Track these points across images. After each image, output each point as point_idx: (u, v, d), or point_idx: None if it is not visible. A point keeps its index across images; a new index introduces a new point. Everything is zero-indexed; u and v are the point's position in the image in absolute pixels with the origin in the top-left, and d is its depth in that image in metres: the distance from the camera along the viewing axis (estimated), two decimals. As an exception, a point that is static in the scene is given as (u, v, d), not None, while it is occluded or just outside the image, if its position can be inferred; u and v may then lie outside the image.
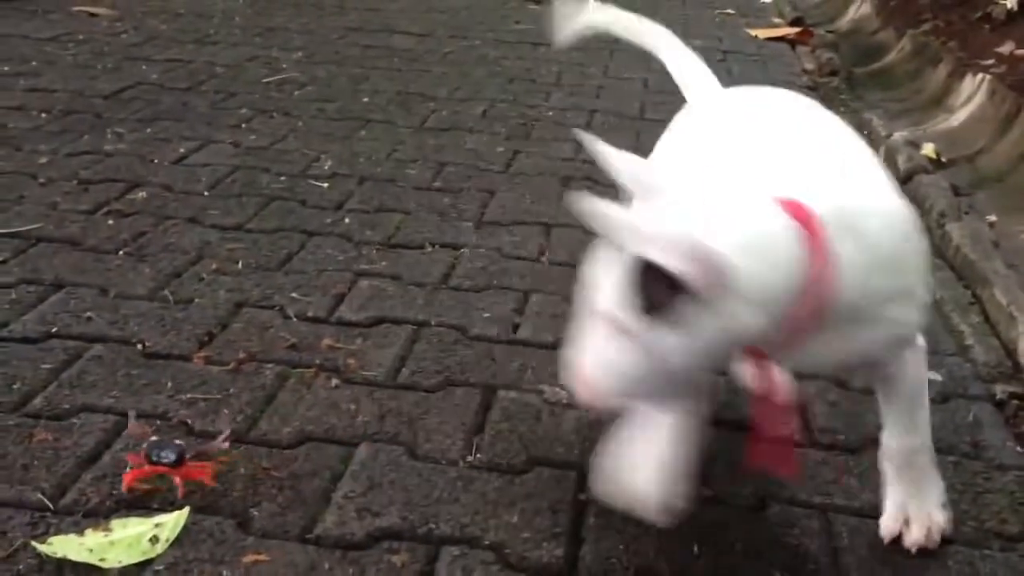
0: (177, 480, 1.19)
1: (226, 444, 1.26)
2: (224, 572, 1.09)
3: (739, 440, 1.37)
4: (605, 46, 4.01)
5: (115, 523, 1.14)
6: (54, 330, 1.56)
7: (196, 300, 1.69)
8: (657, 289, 0.89)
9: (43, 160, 2.30)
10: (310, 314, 1.67)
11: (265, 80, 3.14)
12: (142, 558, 1.10)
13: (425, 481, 1.27)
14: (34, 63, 3.16)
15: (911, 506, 1.18)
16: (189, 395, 1.41)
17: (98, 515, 1.16)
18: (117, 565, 1.08)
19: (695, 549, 1.17)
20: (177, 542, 1.12)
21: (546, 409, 1.44)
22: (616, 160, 0.95)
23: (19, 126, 2.53)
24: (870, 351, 1.03)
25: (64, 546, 1.10)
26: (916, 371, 1.12)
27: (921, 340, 1.12)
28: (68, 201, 2.07)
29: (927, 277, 1.04)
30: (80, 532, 1.12)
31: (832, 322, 0.95)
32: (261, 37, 3.75)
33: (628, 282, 0.91)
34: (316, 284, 1.78)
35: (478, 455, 1.32)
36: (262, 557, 1.11)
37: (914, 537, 1.17)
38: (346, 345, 1.57)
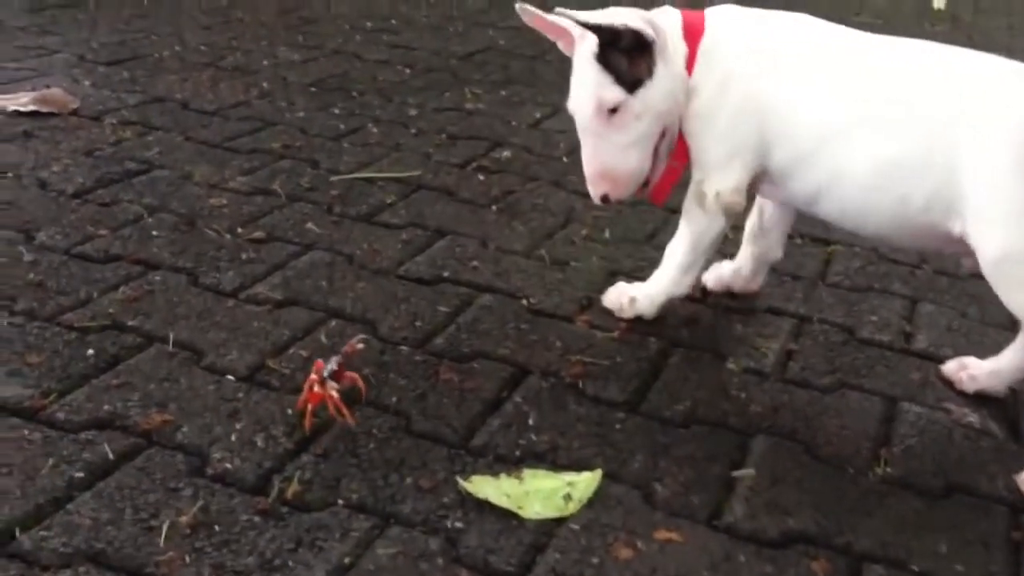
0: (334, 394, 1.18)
1: (361, 346, 1.27)
2: (639, 544, 1.06)
3: None
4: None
5: (527, 472, 1.14)
6: (445, 274, 1.61)
7: (572, 263, 1.69)
8: (619, 65, 1.31)
9: (413, 112, 2.41)
10: (686, 292, 1.62)
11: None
12: (557, 514, 1.09)
13: (834, 487, 1.18)
14: (393, 21, 3.34)
15: None
16: (578, 356, 1.40)
17: (507, 462, 1.17)
18: (535, 516, 1.08)
19: None
20: (589, 504, 1.11)
21: (958, 431, 1.31)
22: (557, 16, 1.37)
23: (388, 79, 2.67)
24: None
25: (484, 487, 1.11)
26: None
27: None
28: (439, 153, 2.15)
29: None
30: (495, 475, 1.13)
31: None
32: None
33: (598, 73, 1.32)
34: (687, 262, 1.72)
35: (887, 469, 1.22)
36: (674, 536, 1.07)
37: None
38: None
